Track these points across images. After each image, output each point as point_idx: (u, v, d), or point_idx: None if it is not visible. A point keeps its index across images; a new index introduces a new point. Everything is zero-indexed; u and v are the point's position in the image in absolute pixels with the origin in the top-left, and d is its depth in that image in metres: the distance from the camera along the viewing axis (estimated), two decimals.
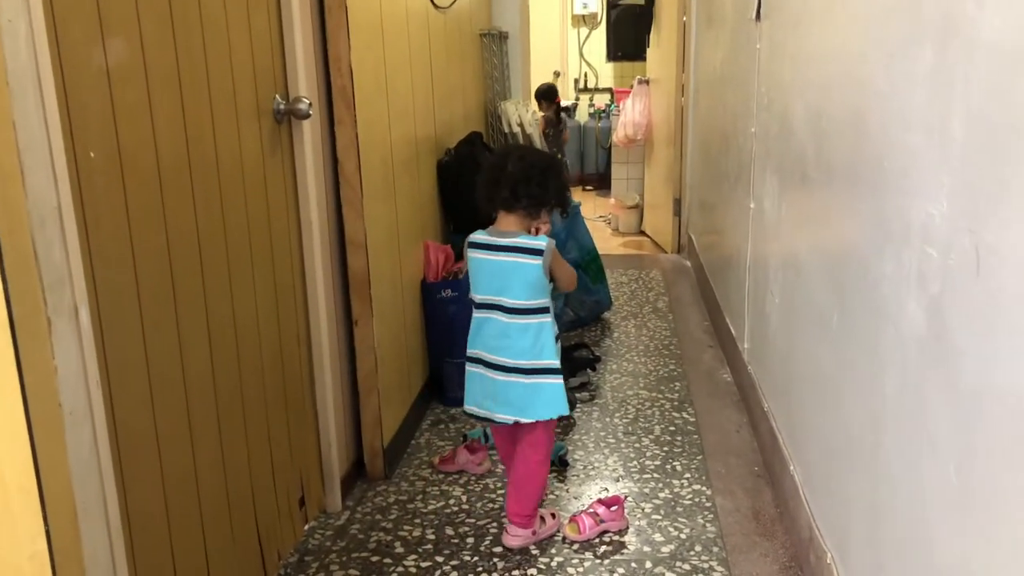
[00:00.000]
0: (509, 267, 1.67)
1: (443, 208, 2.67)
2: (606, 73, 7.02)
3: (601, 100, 6.91)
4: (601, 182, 6.61)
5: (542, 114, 4.86)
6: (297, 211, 1.68)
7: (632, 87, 5.05)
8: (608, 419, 2.31)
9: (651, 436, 2.16)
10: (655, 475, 1.96)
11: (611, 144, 6.01)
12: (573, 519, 1.77)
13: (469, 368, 1.73)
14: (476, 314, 1.72)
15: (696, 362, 2.73)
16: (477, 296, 1.71)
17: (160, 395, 1.17)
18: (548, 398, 1.69)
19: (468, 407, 1.75)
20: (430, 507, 1.86)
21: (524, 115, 3.69)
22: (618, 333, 3.02)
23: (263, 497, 1.47)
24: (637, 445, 2.11)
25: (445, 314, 2.35)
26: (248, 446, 1.44)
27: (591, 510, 1.78)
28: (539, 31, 6.35)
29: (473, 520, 1.81)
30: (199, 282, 1.27)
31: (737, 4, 2.57)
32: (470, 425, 2.28)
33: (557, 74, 6.83)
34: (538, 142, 3.87)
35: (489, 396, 1.71)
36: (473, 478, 1.99)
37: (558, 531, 1.76)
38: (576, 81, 7.13)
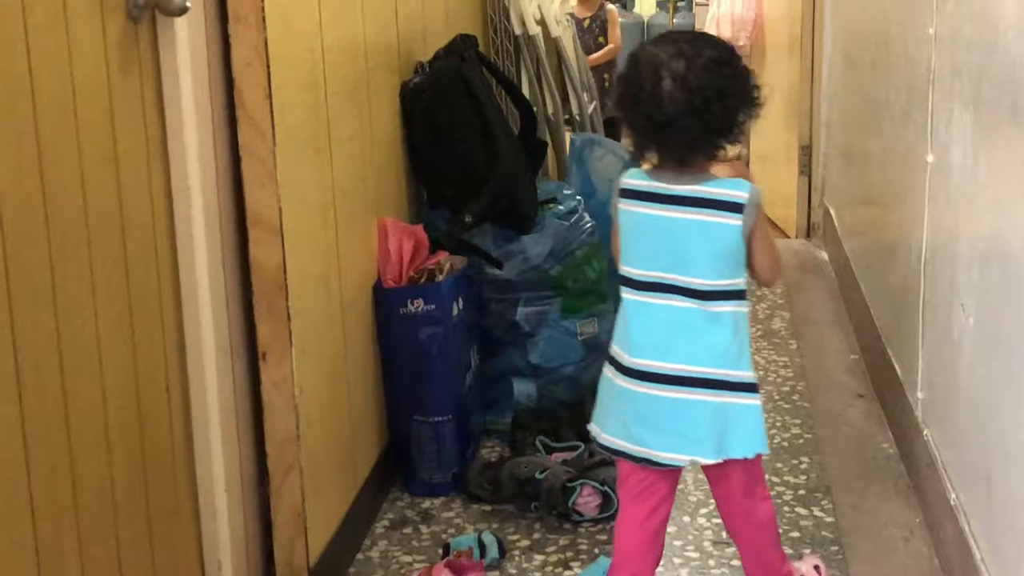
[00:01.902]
0: (693, 228, 1.74)
1: (411, 165, 2.70)
2: None
3: None
4: None
5: (580, 4, 4.85)
6: (166, 172, 1.69)
7: None
8: (688, 518, 2.34)
9: None
10: None
11: None
12: None
13: (607, 375, 1.81)
14: (630, 297, 1.79)
15: (836, 422, 2.78)
16: (635, 271, 1.78)
17: None
18: (747, 427, 1.76)
19: (607, 437, 1.82)
20: None
21: (548, 6, 3.69)
22: None
23: None
24: (736, 562, 2.11)
25: (414, 341, 2.37)
26: (83, 570, 1.43)
27: None
28: None
29: None
30: (1, 294, 1.28)
31: None
32: (454, 529, 2.31)
33: None
34: (571, 54, 3.85)
35: (645, 421, 1.77)
36: None
37: None
38: None
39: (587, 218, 2.81)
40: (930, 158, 2.30)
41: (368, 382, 2.36)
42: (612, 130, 4.69)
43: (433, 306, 2.36)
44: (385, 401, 2.45)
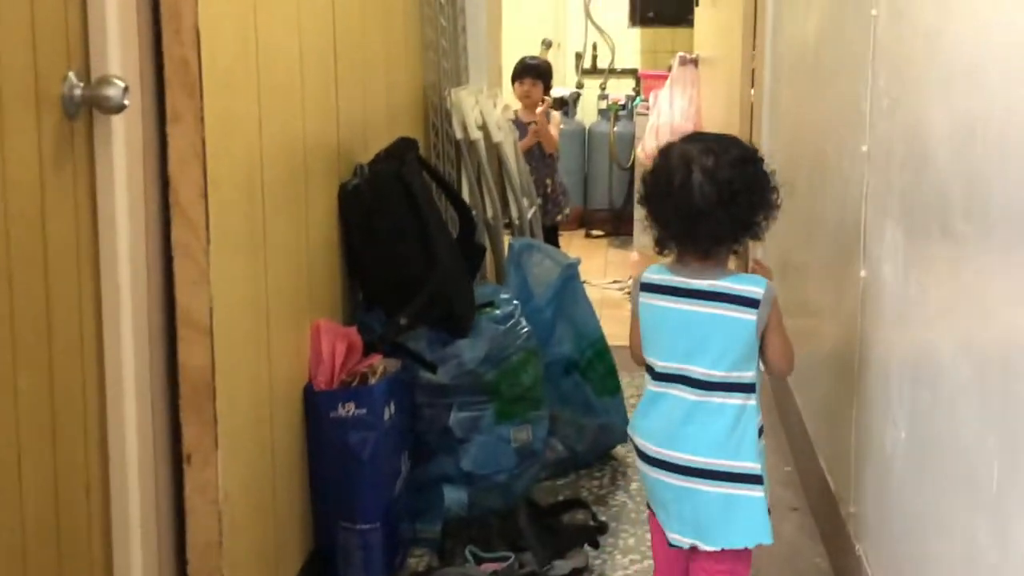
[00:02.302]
0: (708, 321, 1.92)
1: (348, 266, 2.71)
2: (628, 45, 7.25)
3: (619, 88, 7.10)
4: (616, 224, 6.76)
5: (524, 108, 4.96)
6: (96, 270, 1.68)
7: (670, 69, 5.19)
8: None
9: None
10: None
11: (634, 162, 6.11)
12: None
13: (640, 463, 2.01)
14: (648, 385, 1.99)
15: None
16: (656, 361, 1.98)
17: None
18: (746, 518, 1.90)
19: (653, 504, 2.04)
20: None
21: (490, 111, 3.77)
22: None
23: None
24: None
25: (344, 445, 2.36)
26: None
27: None
28: None
29: None
30: None
31: None
32: None
33: (547, 45, 7.09)
34: (511, 159, 3.92)
35: (656, 501, 2.00)
36: None
37: None
38: (579, 58, 7.33)
39: (524, 323, 2.83)
40: (863, 272, 2.33)
41: (295, 487, 2.33)
42: (551, 236, 4.79)
43: (364, 410, 2.34)
44: (312, 507, 2.41)
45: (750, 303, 1.90)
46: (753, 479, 1.89)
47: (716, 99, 4.54)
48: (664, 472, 1.94)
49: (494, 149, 3.81)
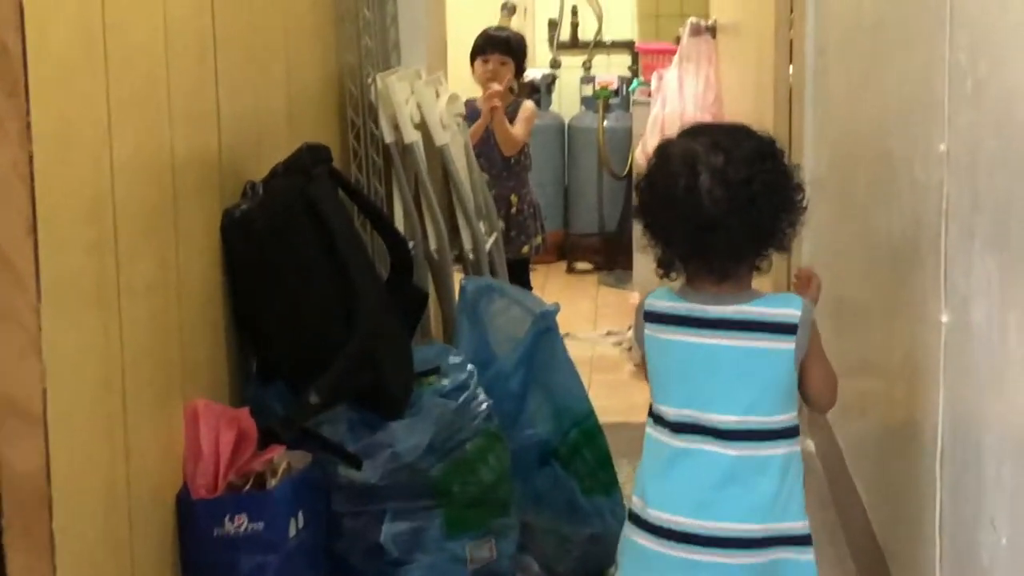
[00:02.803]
0: (738, 357, 2.06)
1: (235, 323, 2.71)
2: (620, 8, 7.33)
3: (610, 68, 7.19)
4: (609, 254, 6.80)
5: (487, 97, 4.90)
6: None
7: (678, 41, 5.20)
8: None
9: None
10: None
11: (631, 168, 6.10)
12: None
13: (629, 536, 2.12)
14: (662, 439, 2.11)
15: None
16: (669, 409, 2.10)
17: None
18: None
19: None
20: None
21: (431, 104, 3.77)
22: None
23: None
24: None
25: (234, 573, 2.34)
26: None
27: None
28: None
29: None
30: None
31: None
32: None
33: (510, 10, 7.15)
34: (462, 169, 3.91)
35: None
36: None
37: None
38: (553, 27, 7.39)
39: (482, 396, 2.84)
40: (945, 317, 2.32)
41: None
42: (519, 273, 4.77)
43: (261, 524, 2.33)
44: None
45: (786, 329, 2.04)
46: (803, 540, 2.04)
47: (741, 81, 4.56)
48: (693, 548, 2.03)
49: (438, 155, 3.81)
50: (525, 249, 4.98)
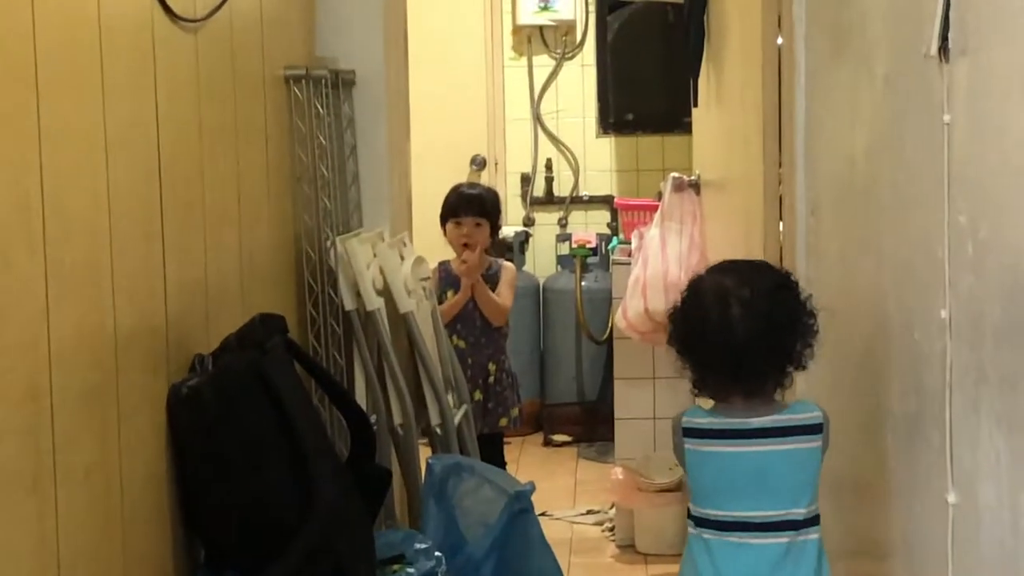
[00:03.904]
0: (783, 459, 2.55)
1: (181, 509, 2.69)
2: (597, 162, 7.40)
3: (587, 224, 7.24)
4: (590, 424, 6.74)
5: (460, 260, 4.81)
6: None
7: (660, 196, 5.21)
8: None
9: None
10: None
11: (611, 332, 6.09)
12: None
13: None
14: (713, 538, 2.55)
15: None
16: (718, 512, 2.55)
17: None
18: None
19: None
20: None
21: (395, 268, 3.77)
22: None
23: None
24: None
25: None
26: None
27: None
28: (435, 66, 6.70)
29: None
30: None
31: (895, 18, 2.75)
32: None
33: (479, 164, 7.27)
34: (429, 338, 3.85)
35: None
36: None
37: None
38: (527, 182, 7.45)
39: None
40: (952, 498, 2.32)
41: None
42: (492, 449, 4.67)
43: None
44: None
45: (815, 430, 2.59)
46: None
47: (729, 239, 4.51)
48: None
49: (402, 323, 3.78)
50: (503, 422, 4.86)
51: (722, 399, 2.58)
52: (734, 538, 2.52)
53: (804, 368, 2.63)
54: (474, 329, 4.78)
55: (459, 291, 4.75)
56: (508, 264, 5.07)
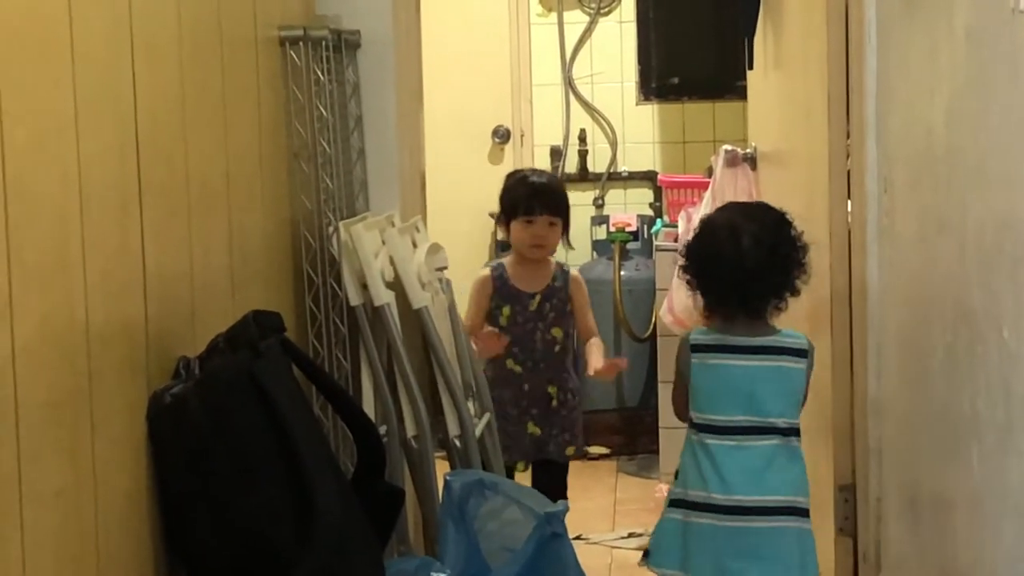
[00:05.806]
0: (771, 374, 3.30)
1: (164, 533, 2.68)
2: (638, 133, 7.38)
3: (627, 204, 7.25)
4: (631, 435, 6.81)
5: (523, 262, 4.57)
6: None
7: (710, 172, 5.18)
8: None
9: None
10: None
11: (654, 328, 6.01)
12: None
13: (676, 518, 3.37)
14: (714, 442, 3.27)
15: None
16: (719, 417, 3.28)
17: None
18: (813, 549, 3.29)
19: None
20: None
21: (406, 257, 3.72)
22: None
23: None
24: None
25: None
26: None
27: None
28: (452, 25, 6.82)
29: None
30: None
31: None
32: None
33: (502, 136, 7.25)
34: (445, 336, 3.78)
35: (742, 554, 3.22)
36: None
37: None
38: (557, 156, 7.44)
39: None
40: None
41: None
42: (548, 478, 4.53)
43: None
44: None
45: (801, 354, 3.34)
46: (809, 512, 3.28)
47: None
48: (751, 517, 3.20)
49: (415, 320, 3.72)
50: (570, 450, 4.65)
51: (728, 319, 3.33)
52: (732, 441, 3.24)
53: (798, 294, 3.35)
54: (534, 352, 4.54)
55: (517, 306, 4.51)
56: (576, 275, 4.78)
